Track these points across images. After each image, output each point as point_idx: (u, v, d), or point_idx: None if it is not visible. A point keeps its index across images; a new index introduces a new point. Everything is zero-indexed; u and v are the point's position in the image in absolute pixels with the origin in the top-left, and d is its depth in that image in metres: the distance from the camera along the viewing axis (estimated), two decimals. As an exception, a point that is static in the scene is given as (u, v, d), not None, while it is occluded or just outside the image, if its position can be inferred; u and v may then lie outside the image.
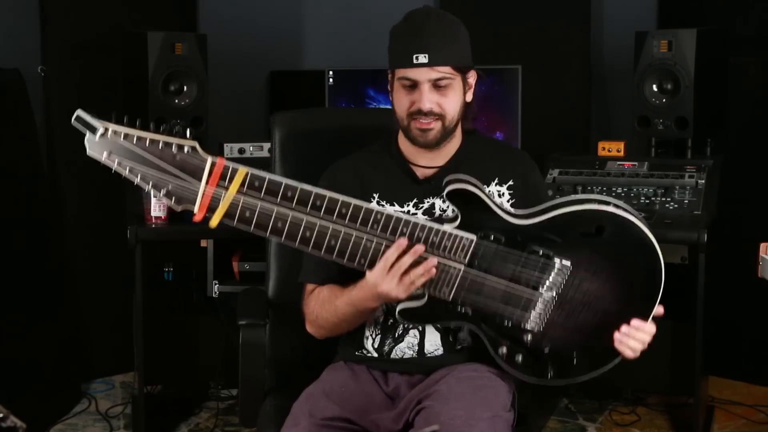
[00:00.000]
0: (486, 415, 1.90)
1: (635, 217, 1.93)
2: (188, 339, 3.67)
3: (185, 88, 3.48)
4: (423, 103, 2.05)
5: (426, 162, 2.16)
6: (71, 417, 3.54)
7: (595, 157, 3.50)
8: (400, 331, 2.11)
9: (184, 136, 1.80)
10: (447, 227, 1.91)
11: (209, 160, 1.82)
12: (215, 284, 3.31)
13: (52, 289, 3.56)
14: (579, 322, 1.95)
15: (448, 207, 2.10)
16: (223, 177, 1.83)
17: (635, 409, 3.60)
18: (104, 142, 1.78)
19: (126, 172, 1.77)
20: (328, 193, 1.86)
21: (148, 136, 1.78)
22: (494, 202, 1.96)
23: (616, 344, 1.96)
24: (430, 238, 1.89)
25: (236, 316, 2.30)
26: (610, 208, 1.92)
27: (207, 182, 1.81)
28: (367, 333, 2.14)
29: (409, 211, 2.12)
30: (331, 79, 3.82)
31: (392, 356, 2.12)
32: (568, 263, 1.92)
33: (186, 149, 1.79)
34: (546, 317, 1.94)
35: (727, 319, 3.71)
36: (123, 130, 1.78)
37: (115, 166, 1.77)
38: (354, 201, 1.87)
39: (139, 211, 3.16)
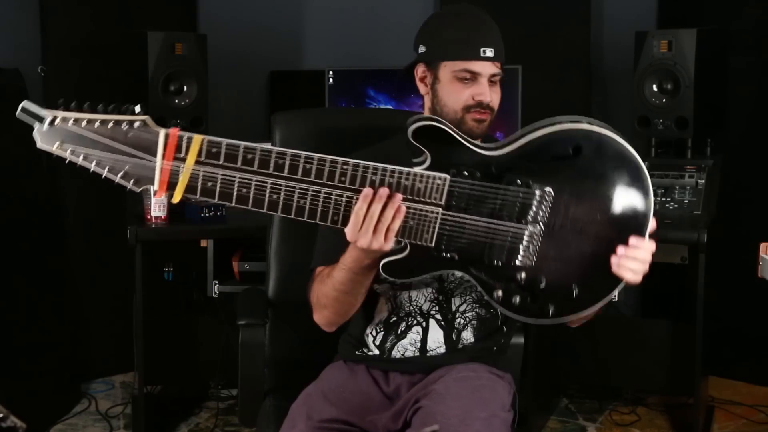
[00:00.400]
0: (483, 415, 1.89)
1: (611, 131, 1.82)
2: (188, 339, 3.67)
3: (185, 88, 3.48)
4: (486, 95, 2.05)
5: None
6: (71, 417, 3.54)
7: (595, 157, 3.50)
8: (403, 328, 2.11)
9: (133, 113, 1.74)
10: (417, 169, 1.82)
11: (162, 132, 1.76)
12: (215, 284, 3.31)
13: (52, 289, 3.56)
14: (573, 251, 1.84)
15: None
16: (178, 149, 1.75)
17: (635, 409, 3.60)
18: (54, 131, 1.73)
19: (80, 160, 1.72)
20: (290, 151, 1.77)
21: (98, 117, 1.72)
22: (462, 136, 1.86)
23: (615, 268, 1.82)
24: (402, 182, 1.80)
25: (236, 316, 2.30)
26: (584, 125, 1.81)
27: (163, 156, 1.74)
28: (368, 331, 2.14)
29: None
30: (331, 79, 3.82)
31: (393, 354, 2.12)
32: (549, 190, 1.82)
33: (136, 124, 1.74)
34: (537, 251, 1.83)
35: (727, 319, 3.71)
36: (71, 115, 1.72)
37: (68, 156, 1.72)
38: (317, 155, 1.77)
39: (139, 211, 3.16)
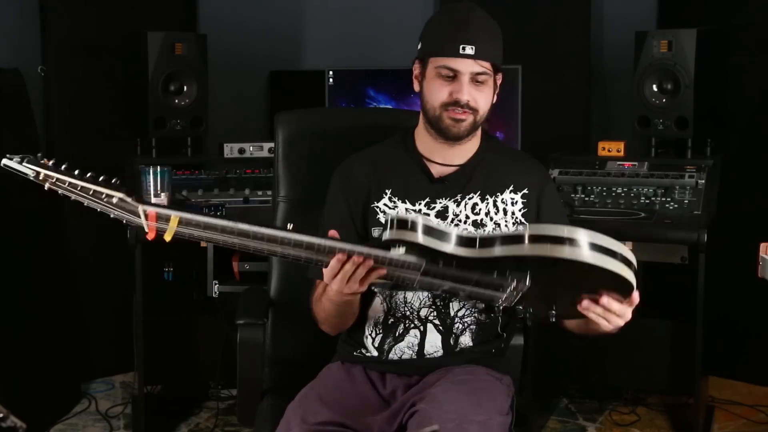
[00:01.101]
0: (479, 419, 1.89)
1: (599, 254, 1.76)
2: (188, 339, 3.67)
3: (185, 88, 3.48)
4: (463, 93, 2.03)
5: (442, 159, 2.14)
6: (71, 417, 3.54)
7: (595, 157, 3.50)
8: (401, 331, 2.10)
9: (112, 186, 1.80)
10: (393, 253, 1.82)
11: (140, 208, 1.80)
12: (215, 284, 3.31)
13: (52, 289, 3.56)
14: (554, 294, 1.89)
15: (461, 212, 2.10)
16: (159, 218, 1.81)
17: (635, 409, 3.60)
18: (43, 181, 1.82)
19: (72, 197, 1.82)
20: (267, 230, 1.82)
21: (78, 183, 1.80)
22: (441, 232, 1.82)
23: (594, 318, 1.87)
24: (379, 257, 1.83)
25: (236, 316, 2.30)
26: (565, 253, 1.71)
27: (146, 221, 1.81)
28: (368, 332, 2.14)
29: (420, 210, 2.11)
30: (331, 79, 3.82)
31: (391, 356, 2.12)
32: (527, 280, 1.82)
33: (114, 200, 1.79)
34: (517, 297, 1.86)
35: (727, 319, 3.71)
36: (53, 175, 1.80)
37: (61, 191, 1.83)
38: (295, 235, 1.82)
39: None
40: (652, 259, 3.45)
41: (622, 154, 3.47)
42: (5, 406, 1.43)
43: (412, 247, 1.82)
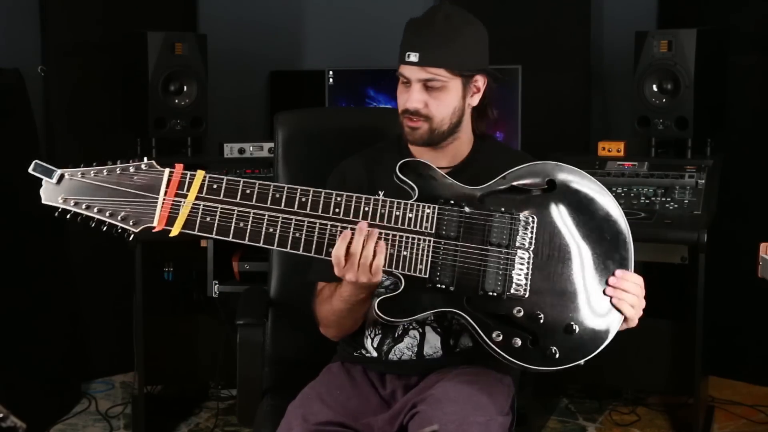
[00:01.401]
0: (480, 420, 1.89)
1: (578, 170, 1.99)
2: (188, 339, 3.67)
3: (185, 88, 3.48)
4: (409, 102, 2.04)
5: (431, 162, 2.14)
6: (71, 417, 3.54)
7: (595, 157, 3.50)
8: (400, 332, 2.10)
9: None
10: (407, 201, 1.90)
11: (166, 171, 1.85)
12: (215, 284, 3.31)
13: (52, 289, 3.56)
14: (563, 283, 1.89)
15: None
16: (181, 185, 1.84)
17: (635, 409, 3.60)
18: (60, 186, 1.86)
19: (82, 209, 1.83)
20: (286, 186, 1.85)
21: (105, 167, 1.84)
22: (445, 176, 1.96)
23: (615, 301, 1.88)
24: (393, 212, 1.87)
25: (236, 316, 2.30)
26: (552, 162, 2.02)
27: (165, 193, 1.83)
28: (367, 333, 2.14)
29: None
30: (331, 79, 3.82)
31: (390, 357, 2.12)
32: (533, 216, 1.91)
33: (143, 166, 1.84)
34: (528, 279, 1.88)
35: (727, 319, 3.71)
36: (80, 170, 1.85)
37: (72, 208, 1.84)
38: (312, 189, 1.86)
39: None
40: (652, 259, 3.45)
41: (622, 154, 3.47)
42: (5, 406, 1.43)
43: (420, 182, 1.94)
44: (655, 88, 3.39)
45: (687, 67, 3.32)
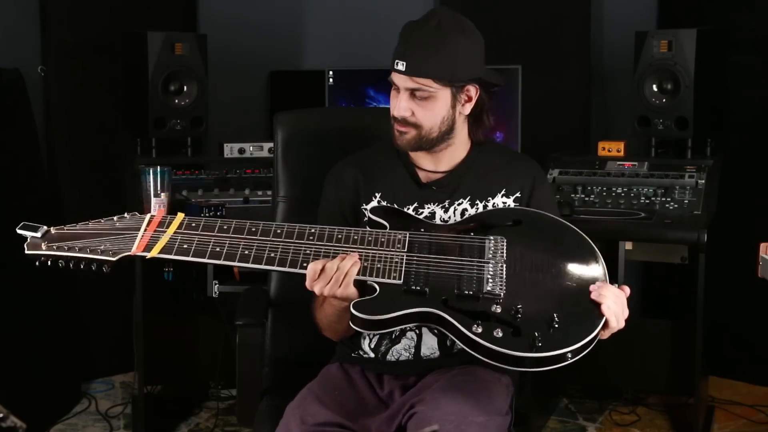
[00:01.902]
0: (479, 419, 1.88)
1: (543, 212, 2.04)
2: (188, 339, 3.67)
3: (185, 88, 3.48)
4: (395, 109, 2.06)
5: (429, 166, 2.15)
6: (71, 417, 3.54)
7: (595, 157, 3.50)
8: (397, 333, 2.10)
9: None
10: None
11: (148, 215, 1.93)
12: (215, 284, 3.30)
13: (52, 289, 3.56)
14: (540, 288, 1.88)
15: (450, 219, 2.11)
16: (161, 225, 1.92)
17: (635, 409, 3.60)
18: (44, 238, 1.96)
19: (65, 252, 1.93)
20: (262, 223, 1.92)
21: (91, 221, 1.95)
22: (416, 216, 2.05)
23: (593, 296, 1.86)
24: (366, 237, 1.91)
25: (235, 316, 2.30)
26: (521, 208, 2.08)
27: (145, 229, 1.91)
28: (365, 334, 2.14)
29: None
30: (331, 79, 3.82)
31: (388, 358, 2.12)
32: (502, 238, 1.93)
33: (127, 215, 1.94)
34: (503, 281, 1.87)
35: (727, 319, 3.71)
36: (66, 226, 1.95)
37: (53, 253, 1.94)
38: (287, 224, 1.93)
39: (139, 211, 3.15)
40: (652, 259, 3.45)
41: (622, 154, 3.47)
42: (5, 406, 1.43)
43: (391, 220, 2.02)
44: (655, 88, 3.39)
45: (687, 67, 3.32)
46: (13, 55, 3.58)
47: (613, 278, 3.14)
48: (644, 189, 3.33)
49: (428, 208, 2.12)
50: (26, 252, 1.93)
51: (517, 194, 2.14)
